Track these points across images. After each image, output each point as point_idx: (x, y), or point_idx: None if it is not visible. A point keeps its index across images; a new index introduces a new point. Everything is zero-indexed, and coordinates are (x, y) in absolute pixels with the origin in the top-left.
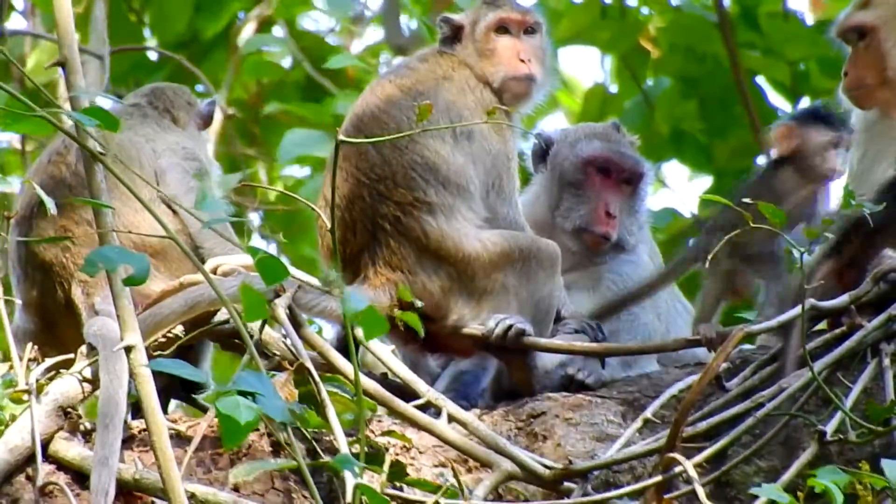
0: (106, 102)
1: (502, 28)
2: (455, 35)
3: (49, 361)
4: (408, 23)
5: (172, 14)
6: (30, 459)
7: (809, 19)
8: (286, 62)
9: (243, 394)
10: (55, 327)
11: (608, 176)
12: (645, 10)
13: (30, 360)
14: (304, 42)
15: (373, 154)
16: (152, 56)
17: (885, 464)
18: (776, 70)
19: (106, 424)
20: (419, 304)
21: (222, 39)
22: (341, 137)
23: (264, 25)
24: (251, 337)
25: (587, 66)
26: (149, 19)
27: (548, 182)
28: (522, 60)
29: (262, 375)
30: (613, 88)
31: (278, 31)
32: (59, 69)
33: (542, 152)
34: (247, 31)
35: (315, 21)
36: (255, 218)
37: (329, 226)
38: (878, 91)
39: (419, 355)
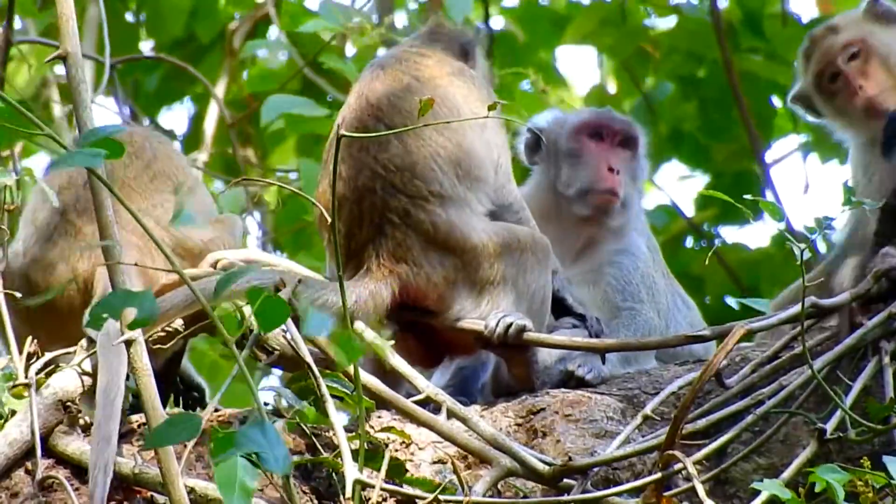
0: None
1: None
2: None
3: (49, 355)
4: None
5: (168, 17)
6: (29, 453)
7: (805, 20)
8: (283, 60)
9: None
10: (51, 309)
11: (602, 140)
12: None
13: (29, 353)
14: (299, 41)
15: (394, 144)
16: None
17: (888, 461)
18: (778, 73)
19: (106, 404)
20: (391, 341)
21: (218, 40)
22: (342, 132)
23: (260, 26)
24: (250, 332)
25: (585, 66)
26: (145, 22)
27: (545, 165)
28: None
29: (266, 425)
30: (611, 89)
31: (273, 30)
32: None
33: (535, 144)
34: (242, 32)
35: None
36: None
37: (329, 220)
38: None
39: (422, 367)
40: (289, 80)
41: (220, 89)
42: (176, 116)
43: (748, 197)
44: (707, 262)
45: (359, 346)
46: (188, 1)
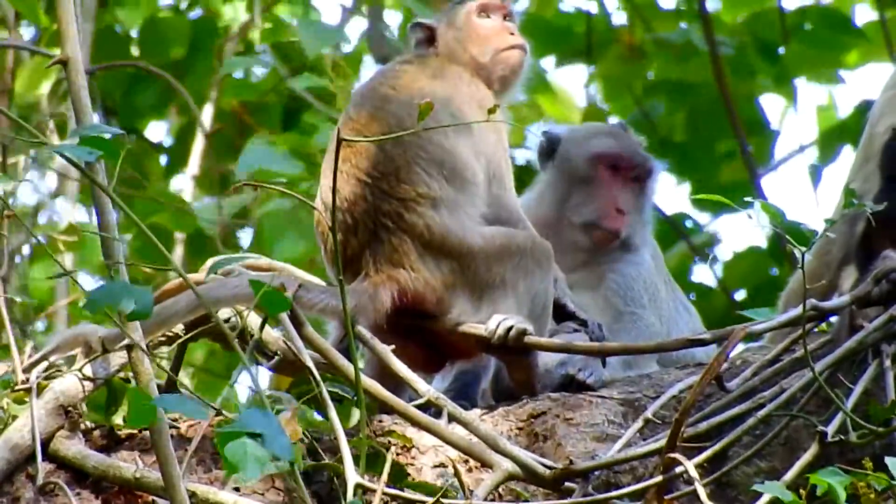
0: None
1: (483, 14)
2: (429, 39)
3: (52, 358)
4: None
5: (171, 42)
6: (30, 458)
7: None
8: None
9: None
10: None
11: (617, 173)
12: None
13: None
14: (287, 53)
15: (375, 152)
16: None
17: (890, 461)
18: (782, 92)
19: None
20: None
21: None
22: (343, 136)
23: (248, 36)
24: (251, 336)
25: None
26: (141, 44)
27: (555, 178)
28: (512, 33)
29: (267, 413)
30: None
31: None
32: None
33: (549, 150)
34: (232, 46)
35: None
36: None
37: (330, 225)
38: None
39: (424, 372)
40: (267, 93)
41: (209, 102)
42: (162, 129)
43: (748, 199)
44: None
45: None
46: (189, 28)
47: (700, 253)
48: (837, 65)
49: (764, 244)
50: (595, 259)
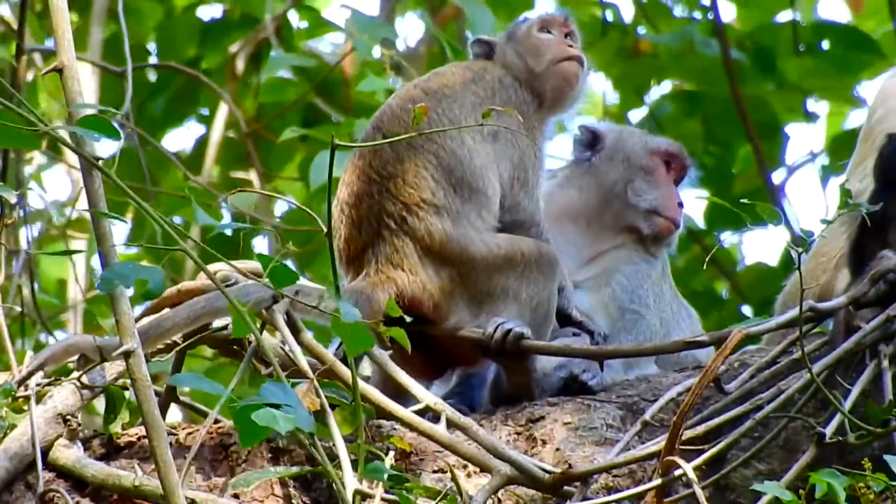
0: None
1: (544, 29)
2: (488, 55)
3: (46, 367)
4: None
5: (179, 41)
6: (30, 467)
7: (826, 43)
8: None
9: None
10: None
11: (668, 169)
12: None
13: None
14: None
15: (387, 151)
16: (151, 76)
17: (890, 459)
18: (789, 100)
19: None
20: (408, 318)
21: (221, 64)
22: (336, 141)
23: (262, 48)
24: (249, 343)
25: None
26: (156, 45)
27: (604, 166)
28: (571, 46)
29: (285, 386)
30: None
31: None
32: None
33: (591, 141)
34: (244, 56)
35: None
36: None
37: (326, 229)
38: None
39: (425, 379)
40: (303, 95)
41: (222, 113)
42: (180, 139)
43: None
44: (705, 267)
45: (367, 337)
46: (200, 25)
47: (718, 263)
48: (854, 83)
49: (774, 262)
50: (608, 253)
